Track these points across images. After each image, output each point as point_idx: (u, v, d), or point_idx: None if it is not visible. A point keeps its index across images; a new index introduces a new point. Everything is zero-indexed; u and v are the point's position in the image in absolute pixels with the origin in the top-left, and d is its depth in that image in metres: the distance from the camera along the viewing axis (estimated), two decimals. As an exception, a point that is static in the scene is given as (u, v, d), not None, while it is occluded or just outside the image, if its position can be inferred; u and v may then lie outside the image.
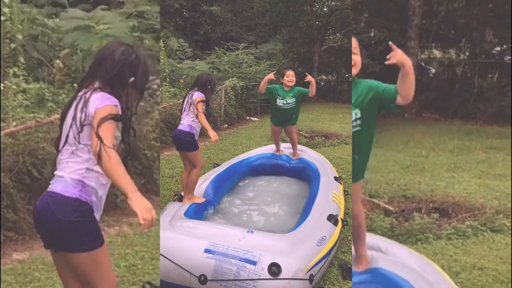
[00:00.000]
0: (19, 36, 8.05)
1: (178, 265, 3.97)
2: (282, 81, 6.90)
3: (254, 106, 17.10)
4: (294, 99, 6.83)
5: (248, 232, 4.34)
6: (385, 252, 3.99)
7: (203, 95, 5.29)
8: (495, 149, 9.63)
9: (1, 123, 5.81)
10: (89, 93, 2.47)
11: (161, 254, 4.07)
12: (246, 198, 6.43)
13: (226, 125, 14.27)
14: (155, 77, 8.00)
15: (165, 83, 13.16)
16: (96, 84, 2.53)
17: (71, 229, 2.43)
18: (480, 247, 5.15)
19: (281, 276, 3.76)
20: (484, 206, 6.10)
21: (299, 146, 8.02)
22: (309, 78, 6.64)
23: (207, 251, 4.01)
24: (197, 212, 5.33)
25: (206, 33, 24.32)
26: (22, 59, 7.78)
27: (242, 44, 19.08)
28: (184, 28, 25.20)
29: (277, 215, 5.81)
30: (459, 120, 13.31)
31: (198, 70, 15.17)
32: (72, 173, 2.47)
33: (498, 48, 15.53)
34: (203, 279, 3.85)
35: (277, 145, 7.68)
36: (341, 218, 5.14)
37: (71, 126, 2.48)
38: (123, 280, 4.51)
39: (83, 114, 2.42)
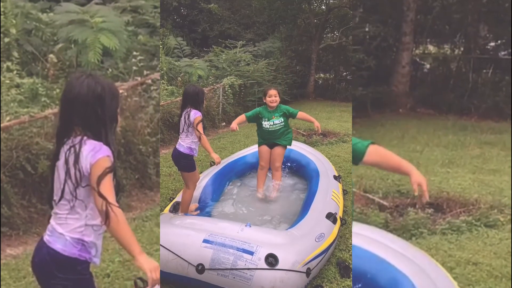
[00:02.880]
0: (13, 31, 8.02)
1: (176, 254, 3.98)
2: (264, 100, 6.32)
3: (252, 104, 16.83)
4: (281, 119, 6.25)
5: (246, 226, 4.35)
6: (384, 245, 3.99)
7: (200, 113, 5.22)
8: (489, 145, 9.64)
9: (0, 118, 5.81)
10: (78, 145, 2.41)
11: (160, 245, 4.09)
12: (243, 196, 6.45)
13: (224, 124, 14.19)
14: (149, 72, 7.97)
15: (163, 81, 13.11)
16: (78, 132, 2.47)
17: (68, 284, 2.47)
18: (474, 242, 5.16)
19: (278, 267, 3.78)
20: (479, 201, 6.11)
21: (298, 144, 7.98)
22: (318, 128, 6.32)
23: (205, 241, 4.04)
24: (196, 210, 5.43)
25: (204, 31, 24.17)
26: (15, 54, 7.75)
27: (240, 42, 18.98)
28: (182, 26, 25.02)
29: (273, 214, 5.81)
30: (453, 115, 13.32)
31: (196, 67, 15.14)
32: (72, 231, 2.46)
33: (492, 44, 15.53)
34: (200, 268, 3.87)
35: (261, 179, 6.55)
36: (339, 217, 5.14)
37: (65, 181, 2.44)
38: (117, 275, 4.50)
39: (77, 170, 2.38)
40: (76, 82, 2.47)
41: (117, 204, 2.31)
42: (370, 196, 6.28)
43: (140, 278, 3.67)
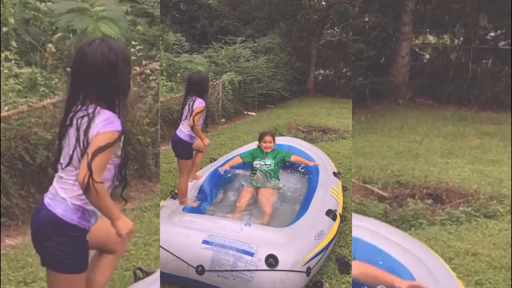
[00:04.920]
0: (11, 20, 7.98)
1: (175, 255, 3.97)
2: (259, 144, 6.49)
3: (252, 101, 17.00)
4: (273, 161, 6.30)
5: (245, 225, 4.34)
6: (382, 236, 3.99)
7: (203, 104, 5.16)
8: (489, 135, 9.63)
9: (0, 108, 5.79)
10: (91, 115, 2.38)
11: (160, 246, 4.09)
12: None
13: (224, 120, 14.18)
14: (148, 62, 7.93)
15: (162, 77, 13.05)
16: (91, 100, 2.44)
17: (62, 249, 2.47)
18: (473, 233, 5.17)
19: (278, 267, 3.78)
20: (478, 192, 6.11)
21: (298, 140, 7.94)
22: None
23: (205, 242, 4.03)
24: (195, 207, 5.38)
25: (203, 26, 24.01)
26: (14, 43, 7.71)
27: (239, 38, 18.89)
28: (181, 21, 24.84)
29: (274, 210, 5.78)
30: (453, 106, 13.28)
31: (196, 63, 15.13)
32: (75, 198, 2.46)
33: (492, 34, 15.48)
34: (200, 270, 3.87)
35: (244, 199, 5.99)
36: (339, 214, 5.13)
37: (75, 148, 2.42)
38: (116, 266, 4.49)
39: (86, 139, 2.37)
40: (88, 49, 2.42)
41: (99, 180, 2.28)
42: (370, 186, 6.28)
43: (139, 268, 3.69)
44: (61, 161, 2.53)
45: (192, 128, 5.12)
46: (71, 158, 2.45)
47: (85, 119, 2.39)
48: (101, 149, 2.28)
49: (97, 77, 2.41)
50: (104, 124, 2.35)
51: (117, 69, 2.44)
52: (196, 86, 5.24)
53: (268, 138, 6.37)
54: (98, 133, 2.33)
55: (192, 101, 5.17)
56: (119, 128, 2.38)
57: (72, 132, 2.46)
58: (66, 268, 2.50)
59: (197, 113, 5.06)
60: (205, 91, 5.30)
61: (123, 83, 2.50)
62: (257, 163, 6.31)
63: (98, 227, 2.63)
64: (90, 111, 2.40)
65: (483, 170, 7.14)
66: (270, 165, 6.28)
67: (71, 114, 2.47)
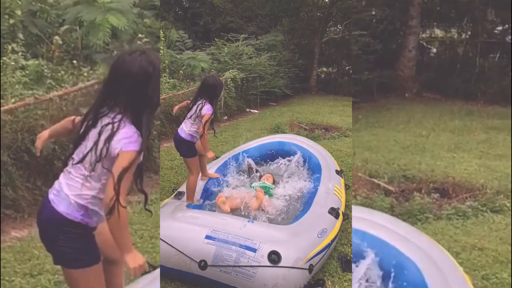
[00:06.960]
0: (18, 12, 7.98)
1: (178, 250, 3.97)
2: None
3: (254, 98, 17.00)
4: (273, 186, 6.15)
5: (248, 221, 4.34)
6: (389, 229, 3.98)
7: (211, 111, 5.13)
8: (495, 130, 9.60)
9: (0, 100, 5.77)
10: (116, 125, 2.40)
11: (161, 239, 4.10)
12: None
13: (226, 117, 14.12)
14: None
15: (165, 74, 13.01)
16: (121, 107, 2.46)
17: (70, 246, 2.49)
18: (480, 228, 5.16)
19: (281, 264, 3.77)
20: (485, 187, 6.09)
21: (300, 138, 7.91)
22: None
23: (207, 237, 4.03)
24: (198, 204, 5.39)
25: (206, 24, 23.89)
26: (21, 35, 7.71)
27: (242, 35, 18.82)
28: (184, 18, 24.73)
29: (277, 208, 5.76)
30: (460, 100, 13.24)
31: (199, 60, 15.12)
32: (79, 197, 2.47)
33: (500, 28, 15.41)
34: (203, 265, 3.87)
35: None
36: (342, 212, 5.12)
37: (90, 150, 2.44)
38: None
39: (105, 148, 2.38)
40: (128, 58, 2.46)
41: (125, 204, 2.30)
42: (376, 181, 6.27)
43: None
44: (74, 156, 2.54)
45: (201, 136, 5.13)
46: (84, 157, 2.47)
47: (109, 126, 2.40)
48: (125, 171, 2.30)
49: (131, 86, 2.43)
50: (126, 142, 2.37)
51: (152, 82, 2.46)
52: (209, 89, 5.23)
53: (268, 175, 6.47)
54: (122, 150, 2.35)
55: (201, 105, 5.15)
56: (139, 148, 2.40)
57: (93, 134, 2.47)
58: (79, 264, 2.52)
59: (207, 121, 5.06)
60: (216, 96, 5.30)
61: (154, 96, 2.52)
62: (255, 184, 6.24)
63: (96, 233, 2.65)
64: (116, 120, 2.42)
65: (490, 164, 7.12)
66: (268, 185, 6.12)
67: (97, 116, 2.50)
